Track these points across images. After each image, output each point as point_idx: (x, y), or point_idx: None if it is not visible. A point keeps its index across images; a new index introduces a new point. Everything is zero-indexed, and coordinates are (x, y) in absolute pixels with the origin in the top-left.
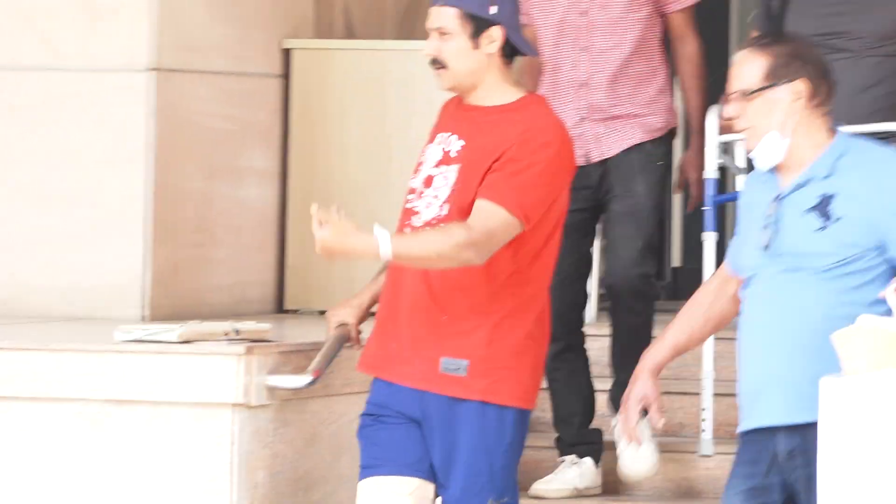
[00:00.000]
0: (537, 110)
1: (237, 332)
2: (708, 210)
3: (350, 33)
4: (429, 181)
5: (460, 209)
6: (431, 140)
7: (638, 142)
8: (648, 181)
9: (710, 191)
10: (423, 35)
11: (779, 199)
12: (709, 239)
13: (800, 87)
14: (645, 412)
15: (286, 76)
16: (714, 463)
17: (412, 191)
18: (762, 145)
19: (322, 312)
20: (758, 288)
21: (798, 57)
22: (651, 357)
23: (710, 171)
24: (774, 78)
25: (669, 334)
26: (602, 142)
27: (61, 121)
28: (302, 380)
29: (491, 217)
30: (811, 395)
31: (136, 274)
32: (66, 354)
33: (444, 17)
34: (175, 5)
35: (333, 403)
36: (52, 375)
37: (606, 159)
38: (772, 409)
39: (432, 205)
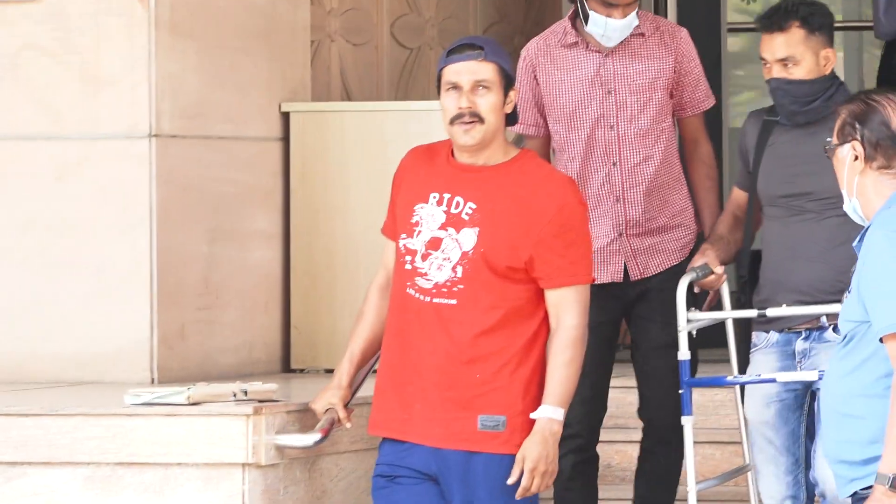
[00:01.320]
0: (541, 169)
1: (245, 392)
2: (683, 392)
3: (347, 95)
4: (435, 243)
5: (486, 270)
6: (418, 198)
7: (676, 262)
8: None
9: (684, 375)
10: (418, 96)
11: None
12: (687, 423)
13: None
14: None
15: (286, 139)
16: None
17: (410, 251)
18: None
19: (329, 371)
20: None
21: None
22: None
23: (683, 353)
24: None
25: None
26: (640, 259)
27: (66, 188)
28: (310, 438)
29: (579, 299)
30: None
31: (144, 337)
32: (77, 419)
33: (487, 71)
34: (174, 72)
35: (342, 461)
36: (63, 440)
37: (646, 279)
38: None
39: (444, 267)
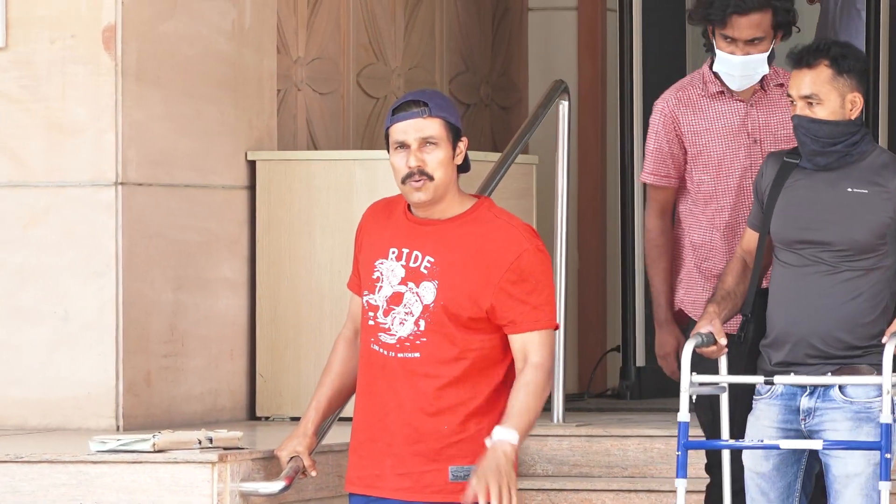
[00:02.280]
0: (498, 219)
1: (210, 440)
2: (680, 455)
3: (313, 144)
4: (397, 298)
5: (448, 322)
6: (378, 254)
7: None
8: None
9: (682, 437)
10: (384, 145)
11: None
12: (680, 486)
13: None
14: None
15: (252, 187)
16: None
17: (372, 307)
18: None
19: (294, 419)
20: None
21: None
22: None
23: (683, 415)
24: None
25: None
26: None
27: (32, 235)
28: (275, 486)
29: (545, 343)
30: None
31: (110, 384)
32: (42, 466)
33: (433, 127)
34: (140, 120)
35: None
36: (28, 486)
37: None
38: None
39: (406, 322)
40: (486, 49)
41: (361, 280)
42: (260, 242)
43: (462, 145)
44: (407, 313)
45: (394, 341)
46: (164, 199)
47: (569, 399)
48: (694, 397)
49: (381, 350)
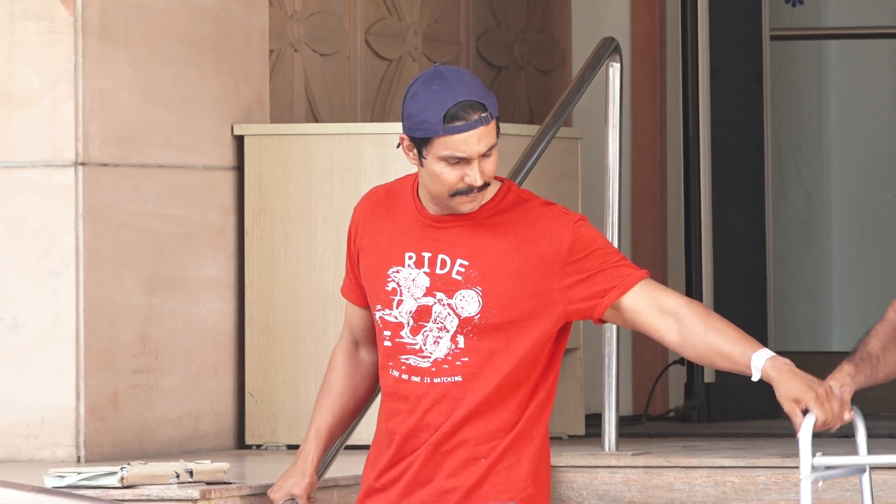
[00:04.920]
0: (528, 204)
1: (190, 473)
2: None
3: (313, 116)
4: (424, 313)
5: (494, 335)
6: (390, 260)
7: None
8: None
9: None
10: (399, 117)
11: None
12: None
13: None
14: None
15: (239, 168)
16: None
17: (391, 325)
18: None
19: (291, 447)
20: None
21: None
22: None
23: None
24: None
25: None
26: None
27: None
28: None
29: (657, 286)
30: None
31: (69, 407)
32: None
33: (493, 132)
34: (104, 88)
35: None
36: None
37: None
38: None
39: (441, 340)
40: (521, 0)
41: (369, 292)
42: (249, 234)
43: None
44: (441, 329)
45: (428, 364)
46: (133, 183)
47: (623, 423)
48: (821, 483)
49: (411, 377)
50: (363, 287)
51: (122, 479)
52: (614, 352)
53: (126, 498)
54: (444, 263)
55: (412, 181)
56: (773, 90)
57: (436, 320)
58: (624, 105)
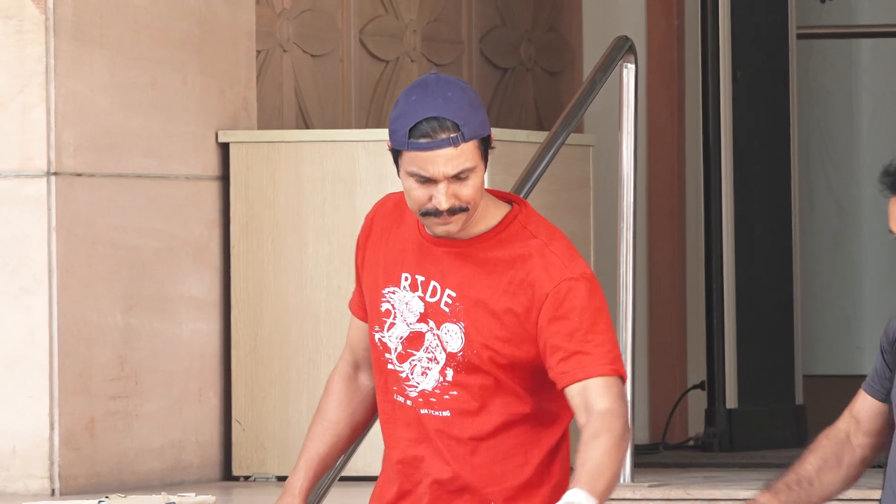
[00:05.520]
0: (534, 239)
1: None
2: None
3: (304, 122)
4: (416, 340)
5: (482, 372)
6: (386, 279)
7: None
8: None
9: None
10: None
11: None
12: None
13: None
14: None
15: (225, 178)
16: None
17: (384, 347)
18: None
19: (281, 479)
20: None
21: None
22: None
23: None
24: None
25: None
26: None
27: None
28: None
29: (612, 389)
30: None
31: (42, 436)
32: None
33: (467, 154)
34: (78, 91)
35: None
36: None
37: None
38: None
39: (430, 371)
40: None
41: (368, 310)
42: (235, 249)
43: (491, 141)
44: (430, 359)
45: (415, 394)
46: (110, 194)
47: (639, 452)
48: None
49: (406, 401)
50: None
51: None
52: (630, 377)
53: None
54: (434, 291)
55: None
56: (800, 93)
57: (427, 349)
58: (639, 109)
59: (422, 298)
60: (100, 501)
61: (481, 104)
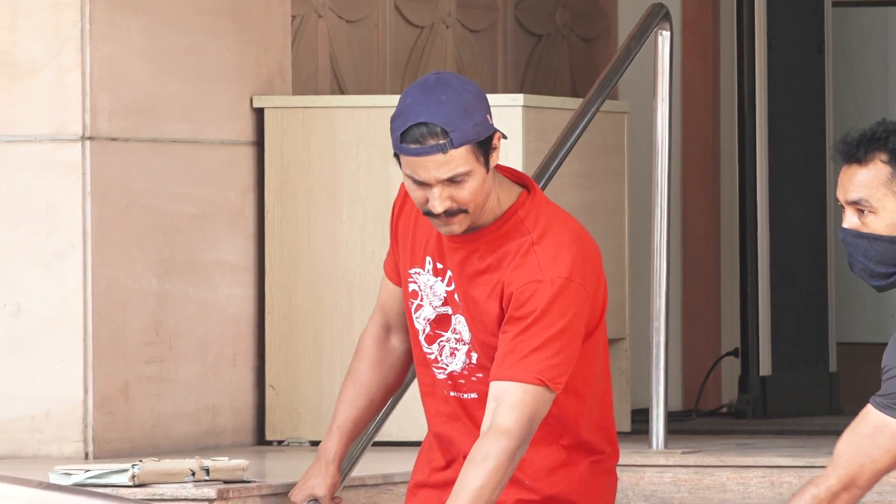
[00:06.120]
0: (529, 233)
1: (206, 471)
2: None
3: (339, 87)
4: (443, 322)
5: (491, 359)
6: (414, 259)
7: None
8: None
9: None
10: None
11: None
12: None
13: None
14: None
15: (259, 143)
16: None
17: (414, 330)
18: None
19: (315, 443)
20: None
21: None
22: None
23: None
24: None
25: None
26: None
27: None
28: None
29: (523, 403)
30: None
31: (76, 400)
32: None
33: (459, 160)
34: (114, 57)
35: None
36: None
37: None
38: None
39: (458, 352)
40: None
41: (403, 283)
42: (270, 214)
43: (497, 141)
44: (458, 341)
45: (444, 377)
46: (145, 159)
47: (672, 418)
48: None
49: (442, 378)
50: None
51: (133, 476)
52: (662, 342)
53: (137, 497)
54: (450, 281)
55: None
56: (836, 61)
57: (455, 330)
58: (674, 77)
59: (444, 283)
60: (133, 465)
61: (480, 106)
